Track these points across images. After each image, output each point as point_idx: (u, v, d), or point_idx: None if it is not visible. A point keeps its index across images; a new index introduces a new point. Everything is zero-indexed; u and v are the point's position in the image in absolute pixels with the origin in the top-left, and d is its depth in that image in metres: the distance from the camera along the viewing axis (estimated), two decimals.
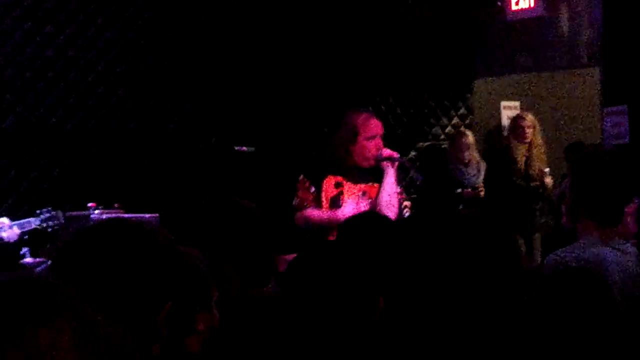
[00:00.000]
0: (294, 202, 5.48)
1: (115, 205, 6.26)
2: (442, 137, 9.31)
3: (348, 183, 5.43)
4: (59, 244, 2.15)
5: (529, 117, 8.55)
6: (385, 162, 5.42)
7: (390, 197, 5.37)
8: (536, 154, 8.44)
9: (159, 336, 1.88)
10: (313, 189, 5.41)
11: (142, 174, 7.34)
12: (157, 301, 1.88)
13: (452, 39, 9.19)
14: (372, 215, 4.32)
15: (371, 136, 5.39)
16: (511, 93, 9.58)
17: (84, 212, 6.06)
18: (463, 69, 9.33)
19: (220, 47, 7.82)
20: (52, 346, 1.08)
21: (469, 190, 8.26)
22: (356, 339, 2.41)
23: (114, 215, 5.67)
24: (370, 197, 5.41)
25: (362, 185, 5.44)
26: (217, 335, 2.27)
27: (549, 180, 8.33)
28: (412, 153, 8.98)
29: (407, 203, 5.64)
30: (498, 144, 9.18)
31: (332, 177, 5.42)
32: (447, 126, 9.38)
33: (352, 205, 5.29)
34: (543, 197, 8.40)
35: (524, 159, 8.43)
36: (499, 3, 9.14)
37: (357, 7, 8.55)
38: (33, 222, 5.41)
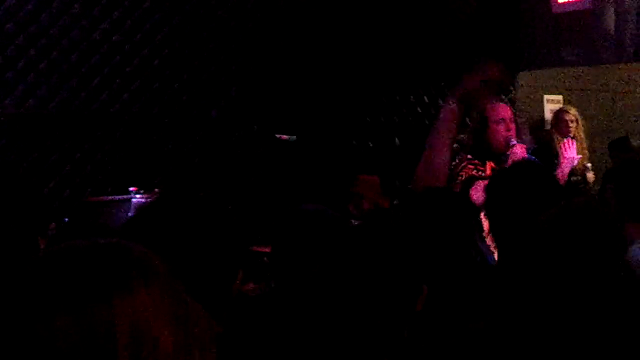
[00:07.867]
0: None
1: (156, 190, 6.30)
2: None
3: None
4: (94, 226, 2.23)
5: (572, 111, 8.48)
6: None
7: None
8: (578, 149, 8.36)
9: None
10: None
11: (184, 160, 7.38)
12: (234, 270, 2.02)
13: (496, 31, 9.10)
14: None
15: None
16: (555, 87, 9.48)
17: (125, 196, 6.11)
18: (507, 61, 9.22)
19: (265, 33, 7.81)
20: (151, 302, 1.15)
21: None
22: (393, 333, 2.17)
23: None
24: None
25: None
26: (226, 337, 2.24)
27: (590, 175, 8.25)
28: None
29: None
30: (540, 137, 9.11)
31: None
32: None
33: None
34: (584, 192, 8.31)
35: None
36: None
37: None
38: None
